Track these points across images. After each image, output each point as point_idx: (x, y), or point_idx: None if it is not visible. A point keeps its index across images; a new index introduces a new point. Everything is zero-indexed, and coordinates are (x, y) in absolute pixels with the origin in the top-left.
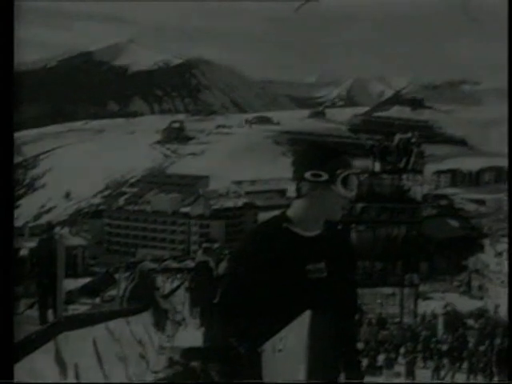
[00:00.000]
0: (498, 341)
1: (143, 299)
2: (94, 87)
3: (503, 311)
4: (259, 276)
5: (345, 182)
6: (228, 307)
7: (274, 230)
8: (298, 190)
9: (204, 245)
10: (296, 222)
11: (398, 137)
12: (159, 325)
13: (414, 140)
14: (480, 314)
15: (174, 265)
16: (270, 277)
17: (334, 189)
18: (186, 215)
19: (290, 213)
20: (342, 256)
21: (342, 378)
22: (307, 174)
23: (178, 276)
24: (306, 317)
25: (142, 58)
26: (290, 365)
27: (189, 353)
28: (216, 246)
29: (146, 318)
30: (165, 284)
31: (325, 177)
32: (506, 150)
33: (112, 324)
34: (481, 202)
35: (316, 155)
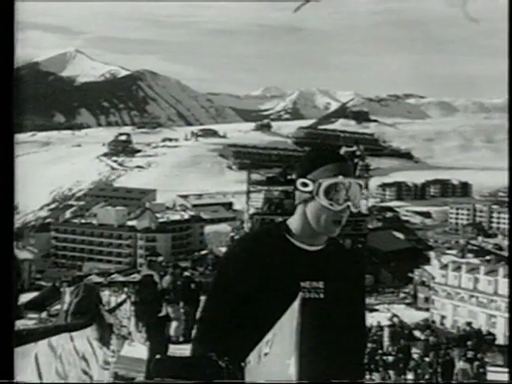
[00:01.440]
0: (442, 352)
1: (88, 314)
2: (40, 98)
3: (449, 322)
4: (248, 288)
5: (328, 193)
6: (211, 321)
7: (272, 239)
8: (294, 198)
9: (149, 258)
10: (296, 232)
11: (343, 149)
12: (104, 340)
13: (358, 153)
14: (426, 325)
15: (121, 278)
16: (260, 290)
17: (318, 200)
18: (133, 228)
19: (290, 222)
20: (348, 278)
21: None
22: (298, 183)
23: (125, 290)
24: (294, 311)
25: (89, 70)
26: (278, 363)
27: (160, 365)
28: (160, 259)
29: (90, 332)
30: (110, 298)
31: (310, 187)
32: (450, 162)
33: (55, 339)
34: (426, 215)
35: (310, 160)
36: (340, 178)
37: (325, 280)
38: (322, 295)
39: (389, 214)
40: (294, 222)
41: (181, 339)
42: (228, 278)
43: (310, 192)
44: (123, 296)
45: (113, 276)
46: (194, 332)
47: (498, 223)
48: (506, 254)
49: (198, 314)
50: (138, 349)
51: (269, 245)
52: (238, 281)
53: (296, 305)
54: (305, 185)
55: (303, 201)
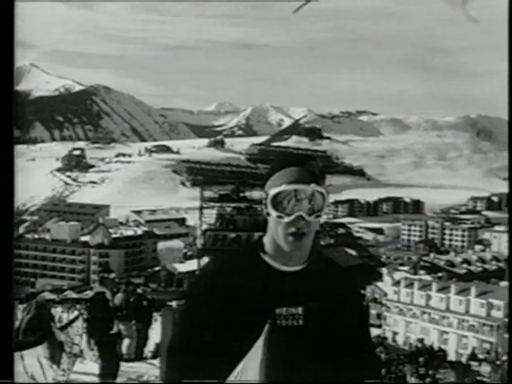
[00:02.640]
0: (394, 368)
1: (39, 331)
2: None
3: (401, 339)
4: (218, 315)
5: (276, 204)
6: (179, 351)
7: (246, 259)
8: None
9: (101, 275)
10: (269, 251)
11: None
12: (54, 358)
13: None
14: (378, 341)
15: (73, 295)
16: (231, 316)
17: (270, 212)
18: (86, 244)
19: (265, 239)
20: (336, 301)
21: None
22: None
23: (77, 307)
24: (260, 343)
25: (43, 84)
26: None
27: None
28: (113, 276)
29: (41, 351)
30: (63, 315)
31: (264, 197)
32: (402, 180)
33: None
34: (379, 231)
35: (269, 168)
36: (283, 187)
37: (304, 305)
38: (300, 321)
39: (341, 231)
40: (266, 240)
41: (133, 357)
42: (196, 304)
43: (266, 205)
44: (75, 313)
45: (66, 293)
46: (165, 361)
47: (450, 240)
48: (458, 270)
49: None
50: (89, 366)
51: (242, 266)
52: (207, 307)
53: (262, 336)
54: (265, 197)
55: (266, 214)
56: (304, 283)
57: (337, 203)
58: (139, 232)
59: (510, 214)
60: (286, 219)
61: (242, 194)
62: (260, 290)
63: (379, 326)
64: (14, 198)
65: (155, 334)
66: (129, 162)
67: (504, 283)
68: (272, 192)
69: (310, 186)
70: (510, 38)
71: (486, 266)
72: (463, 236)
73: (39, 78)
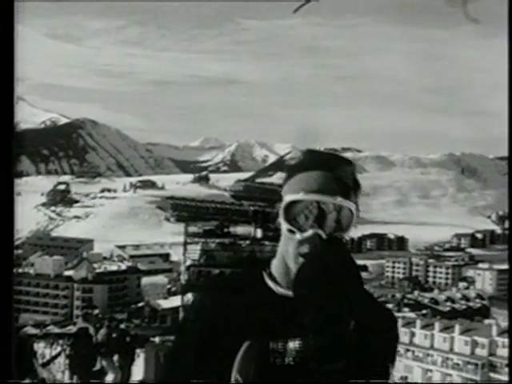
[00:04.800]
0: None
1: (21, 368)
2: None
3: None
4: (209, 339)
5: (289, 214)
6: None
7: (248, 282)
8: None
9: (84, 311)
10: (274, 272)
11: (278, 203)
12: None
13: None
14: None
15: (56, 330)
16: (222, 342)
17: (280, 225)
18: (70, 279)
19: (275, 259)
20: (340, 336)
21: None
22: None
23: (60, 342)
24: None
25: (30, 116)
26: None
27: None
28: (96, 311)
29: None
30: (45, 350)
31: (277, 209)
32: (386, 217)
33: None
34: (363, 268)
35: (288, 167)
36: (301, 195)
37: (305, 339)
38: (292, 359)
39: None
40: (275, 260)
41: None
42: (190, 326)
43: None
44: (58, 349)
45: (48, 328)
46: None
47: (434, 277)
48: (442, 308)
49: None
50: None
51: (242, 288)
52: (200, 330)
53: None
54: (280, 203)
55: (278, 224)
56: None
57: None
58: (123, 267)
59: (510, 225)
60: (299, 236)
61: (226, 230)
62: (255, 316)
63: None
64: (14, 231)
65: (138, 371)
66: (114, 198)
67: (488, 321)
68: (287, 199)
69: (335, 198)
70: (509, 38)
71: (470, 304)
72: (447, 273)
73: (25, 110)
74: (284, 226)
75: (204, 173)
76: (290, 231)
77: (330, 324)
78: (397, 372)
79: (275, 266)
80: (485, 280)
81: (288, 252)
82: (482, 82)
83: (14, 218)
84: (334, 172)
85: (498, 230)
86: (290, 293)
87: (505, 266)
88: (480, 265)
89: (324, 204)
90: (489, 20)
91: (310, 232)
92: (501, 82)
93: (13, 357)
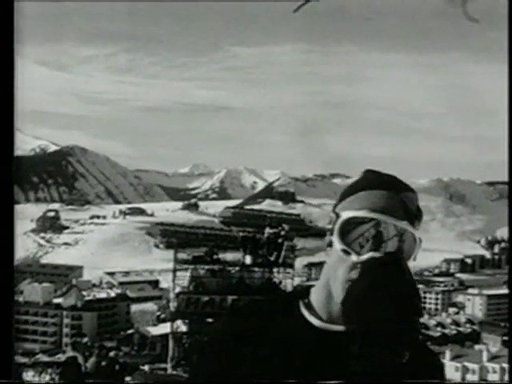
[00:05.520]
0: None
1: None
2: None
3: None
4: (232, 372)
5: (345, 233)
6: None
7: (281, 312)
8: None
9: (73, 339)
10: (314, 301)
11: (267, 230)
12: None
13: (283, 233)
14: None
15: (45, 359)
16: (248, 377)
17: (334, 243)
18: (59, 306)
19: (314, 287)
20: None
21: None
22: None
23: (48, 371)
24: None
25: (19, 143)
26: None
27: None
28: (85, 340)
29: None
30: (34, 379)
31: (331, 223)
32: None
33: None
34: None
35: (350, 185)
36: (363, 212)
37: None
38: None
39: None
40: (316, 288)
41: None
42: (211, 356)
43: (331, 230)
44: (47, 378)
45: (37, 356)
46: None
47: (424, 303)
48: (432, 333)
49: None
50: None
51: (273, 317)
52: (221, 363)
53: None
54: (330, 221)
55: (328, 244)
56: (346, 351)
57: (310, 265)
58: (112, 294)
59: (510, 234)
60: (354, 258)
61: (215, 257)
62: (296, 350)
63: None
64: (14, 259)
65: None
66: (103, 224)
67: (479, 346)
68: (345, 215)
69: (401, 221)
70: (509, 38)
71: (461, 329)
72: (437, 299)
73: (15, 137)
74: (338, 245)
75: (193, 200)
76: (345, 252)
77: (383, 353)
78: None
79: (316, 294)
80: (475, 305)
81: (336, 276)
82: (470, 107)
83: (14, 246)
84: (399, 194)
85: (488, 254)
86: (329, 326)
87: (495, 291)
88: (470, 290)
89: (386, 226)
90: (480, 46)
91: (367, 255)
92: (490, 108)
93: (13, 357)
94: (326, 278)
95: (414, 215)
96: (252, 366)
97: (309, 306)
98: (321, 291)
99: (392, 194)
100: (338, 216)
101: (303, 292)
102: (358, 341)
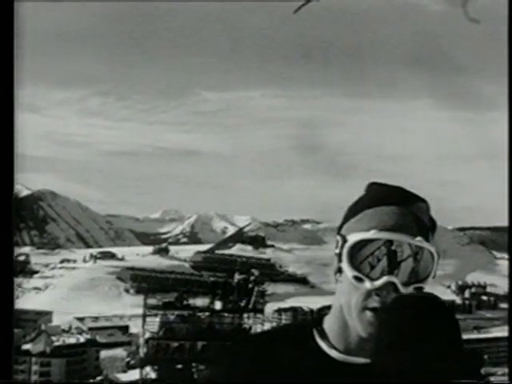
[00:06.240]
0: None
1: None
2: None
3: None
4: None
5: (354, 258)
6: None
7: (297, 344)
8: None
9: None
10: (328, 331)
11: (237, 275)
12: None
13: (253, 279)
14: None
15: None
16: None
17: (344, 270)
18: (27, 352)
19: (328, 316)
20: None
21: None
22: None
23: None
24: None
25: None
26: None
27: None
28: None
29: None
30: None
31: (338, 247)
32: None
33: None
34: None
35: (355, 202)
36: (372, 233)
37: None
38: None
39: None
40: (328, 317)
41: None
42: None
43: (339, 256)
44: None
45: None
46: None
47: None
48: None
49: None
50: None
51: (288, 346)
52: None
53: None
54: (336, 245)
55: (336, 271)
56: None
57: (280, 311)
58: (82, 340)
59: (509, 240)
60: (368, 284)
61: (185, 302)
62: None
63: None
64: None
65: None
66: (73, 269)
67: None
68: (353, 239)
69: (415, 239)
70: (509, 39)
71: None
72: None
73: None
74: (349, 272)
75: (164, 244)
76: (357, 279)
77: None
78: None
79: (329, 322)
80: None
81: (350, 305)
82: (434, 153)
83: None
84: (410, 208)
85: (458, 300)
86: (347, 358)
87: (466, 337)
88: None
89: (399, 245)
90: (443, 94)
91: (383, 279)
92: (450, 154)
93: (13, 357)
94: (339, 306)
95: (427, 228)
96: None
97: (323, 335)
98: (335, 320)
99: (402, 209)
100: (344, 240)
101: (316, 321)
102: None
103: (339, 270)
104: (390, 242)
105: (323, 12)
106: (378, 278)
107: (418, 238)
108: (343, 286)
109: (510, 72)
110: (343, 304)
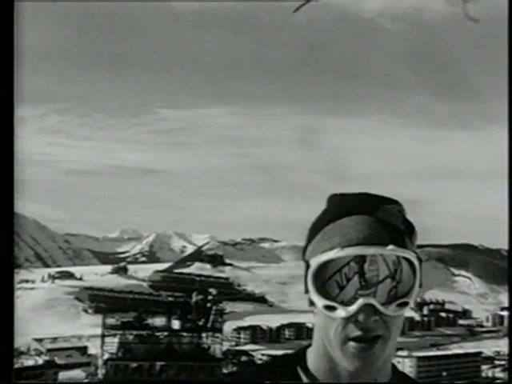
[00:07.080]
0: None
1: None
2: None
3: None
4: None
5: (320, 284)
6: None
7: (280, 375)
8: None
9: None
10: (312, 366)
11: (195, 295)
12: None
13: (211, 298)
14: None
15: None
16: None
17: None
18: None
19: (311, 349)
20: None
21: None
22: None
23: None
24: None
25: None
26: None
27: None
28: None
29: None
30: None
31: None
32: (304, 306)
33: None
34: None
35: (316, 220)
36: (335, 252)
37: None
38: None
39: (244, 358)
40: (311, 350)
41: None
42: None
43: (305, 285)
44: None
45: None
46: None
47: None
48: None
49: None
50: None
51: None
52: None
53: None
54: (305, 270)
55: (310, 305)
56: None
57: (239, 329)
58: (40, 361)
59: (510, 223)
60: (343, 312)
61: (144, 322)
62: None
63: None
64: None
65: None
66: (31, 289)
67: None
68: (315, 262)
69: (385, 248)
70: (509, 39)
71: None
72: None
73: None
74: (318, 302)
75: (122, 263)
76: (328, 308)
77: None
78: None
79: (313, 359)
80: (404, 367)
81: (330, 339)
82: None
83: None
84: (376, 214)
85: (417, 317)
86: None
87: (424, 353)
88: (399, 352)
89: (371, 260)
90: (398, 111)
91: (358, 303)
92: (412, 171)
93: (13, 357)
94: (320, 341)
95: (401, 232)
96: None
97: (308, 374)
98: (319, 357)
99: (366, 217)
100: (308, 265)
101: (299, 357)
102: None
103: (312, 303)
104: (361, 258)
105: (287, 27)
106: (351, 302)
107: (390, 247)
108: (319, 318)
109: (510, 73)
110: (324, 338)
